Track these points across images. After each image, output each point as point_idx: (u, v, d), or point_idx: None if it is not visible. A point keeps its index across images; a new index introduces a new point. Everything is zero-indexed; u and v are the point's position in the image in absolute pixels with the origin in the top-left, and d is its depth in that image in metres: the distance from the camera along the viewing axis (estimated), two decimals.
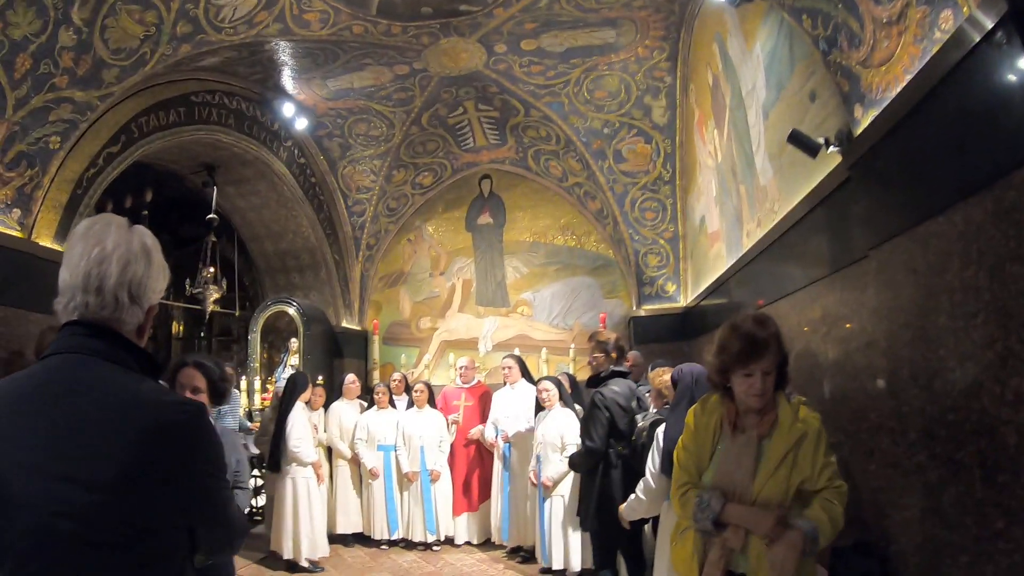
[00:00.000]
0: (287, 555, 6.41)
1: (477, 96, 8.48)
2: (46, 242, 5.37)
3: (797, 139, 3.76)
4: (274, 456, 6.51)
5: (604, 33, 6.84)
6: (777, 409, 2.56)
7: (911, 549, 2.84)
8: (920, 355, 2.70)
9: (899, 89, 2.86)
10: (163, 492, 1.32)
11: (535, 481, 6.12)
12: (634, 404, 4.92)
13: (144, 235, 1.50)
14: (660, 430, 3.80)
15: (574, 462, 5.09)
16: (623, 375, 5.02)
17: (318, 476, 6.74)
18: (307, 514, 6.49)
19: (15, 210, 5.00)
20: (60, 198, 5.52)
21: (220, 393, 3.06)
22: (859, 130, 3.29)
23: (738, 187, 5.63)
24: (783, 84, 4.39)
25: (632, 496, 3.98)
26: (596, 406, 4.74)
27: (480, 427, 7.27)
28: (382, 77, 7.94)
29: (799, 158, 4.13)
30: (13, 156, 4.83)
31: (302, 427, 6.60)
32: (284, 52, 7.07)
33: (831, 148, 3.57)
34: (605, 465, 4.77)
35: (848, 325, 3.58)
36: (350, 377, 7.81)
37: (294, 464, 6.50)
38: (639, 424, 4.59)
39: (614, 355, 5.09)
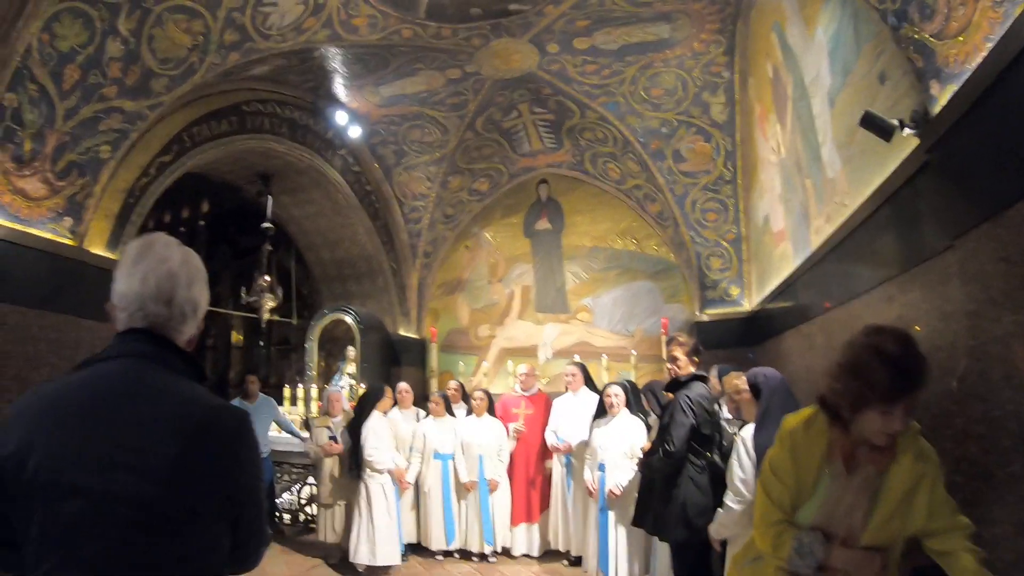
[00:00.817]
0: (360, 560, 6.44)
1: (531, 98, 8.34)
2: (98, 250, 5.46)
3: (870, 121, 3.47)
4: (353, 464, 6.63)
5: (658, 28, 6.62)
6: (896, 442, 2.20)
7: (1003, 568, 2.54)
8: (1015, 353, 2.41)
9: (980, 59, 2.59)
10: (212, 484, 1.46)
11: (593, 491, 5.92)
12: (715, 407, 4.73)
13: (196, 256, 1.67)
14: (745, 436, 3.68)
15: (652, 467, 4.85)
16: (703, 379, 4.78)
17: (401, 484, 6.86)
18: (383, 519, 6.54)
19: (67, 218, 5.08)
20: (112, 207, 5.62)
21: None
22: (937, 108, 3.01)
23: (804, 182, 5.32)
24: (849, 68, 4.10)
25: (720, 512, 3.82)
26: (682, 410, 4.51)
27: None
28: (434, 82, 7.88)
29: (870, 146, 3.85)
30: (64, 166, 4.90)
31: (376, 436, 6.64)
32: (334, 59, 7.06)
33: (906, 130, 3.27)
34: (689, 471, 4.54)
35: (929, 322, 3.28)
36: (403, 386, 7.71)
37: (367, 470, 6.55)
38: (728, 430, 4.43)
39: (696, 359, 4.88)
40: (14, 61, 4.27)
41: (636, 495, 5.55)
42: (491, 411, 7.30)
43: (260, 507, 1.62)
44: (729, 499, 3.73)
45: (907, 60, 3.22)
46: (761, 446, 3.39)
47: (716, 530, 3.93)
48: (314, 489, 7.96)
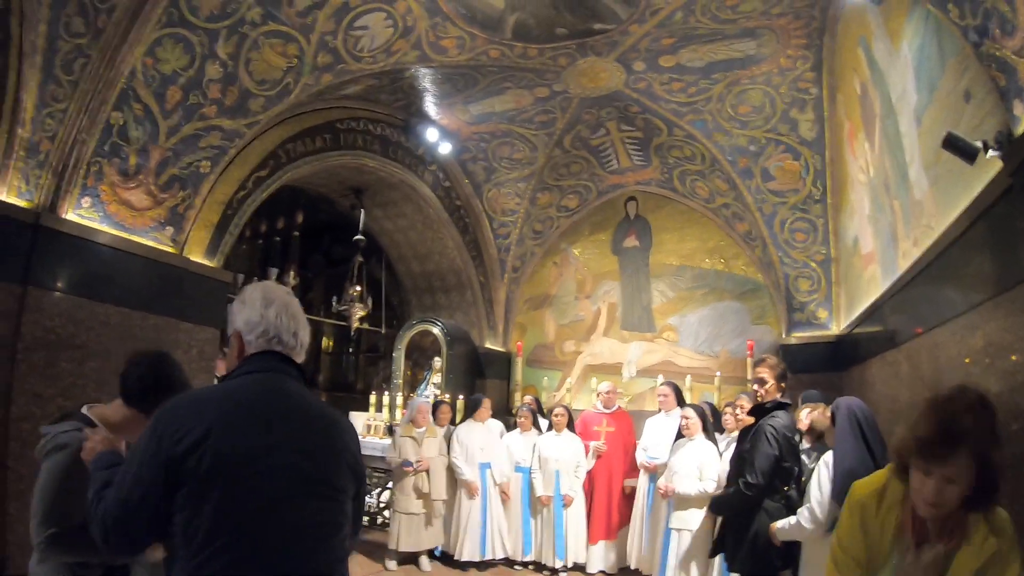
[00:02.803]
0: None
1: (619, 116, 8.35)
2: (197, 257, 5.87)
3: (953, 143, 3.34)
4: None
5: (744, 45, 6.51)
6: (967, 523, 1.98)
7: None
8: None
9: None
10: (350, 464, 1.95)
11: (664, 491, 5.88)
12: (797, 439, 4.52)
13: (270, 294, 2.10)
14: (827, 458, 3.74)
15: (724, 503, 4.72)
16: (786, 407, 4.53)
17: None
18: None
19: (168, 228, 5.51)
20: (211, 218, 6.02)
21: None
22: (1021, 129, 2.88)
23: (892, 203, 5.13)
24: (935, 85, 3.95)
25: (794, 519, 3.87)
26: (767, 440, 4.28)
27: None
28: (523, 100, 8.00)
29: (956, 167, 3.69)
30: (166, 179, 5.32)
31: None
32: (424, 79, 7.29)
33: (990, 152, 3.13)
34: (765, 504, 4.38)
35: (1013, 356, 3.12)
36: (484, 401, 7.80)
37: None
38: (808, 465, 4.27)
39: (783, 384, 4.62)
40: (120, 82, 4.68)
41: (706, 520, 5.50)
42: (571, 427, 7.30)
43: (358, 512, 2.04)
44: (803, 517, 3.77)
45: (990, 78, 3.09)
46: (842, 468, 3.51)
47: (780, 530, 3.99)
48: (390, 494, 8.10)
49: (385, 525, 8.29)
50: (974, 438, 1.88)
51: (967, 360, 3.70)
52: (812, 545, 3.83)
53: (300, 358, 2.08)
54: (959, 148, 3.30)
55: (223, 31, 5.03)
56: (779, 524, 3.98)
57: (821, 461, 3.79)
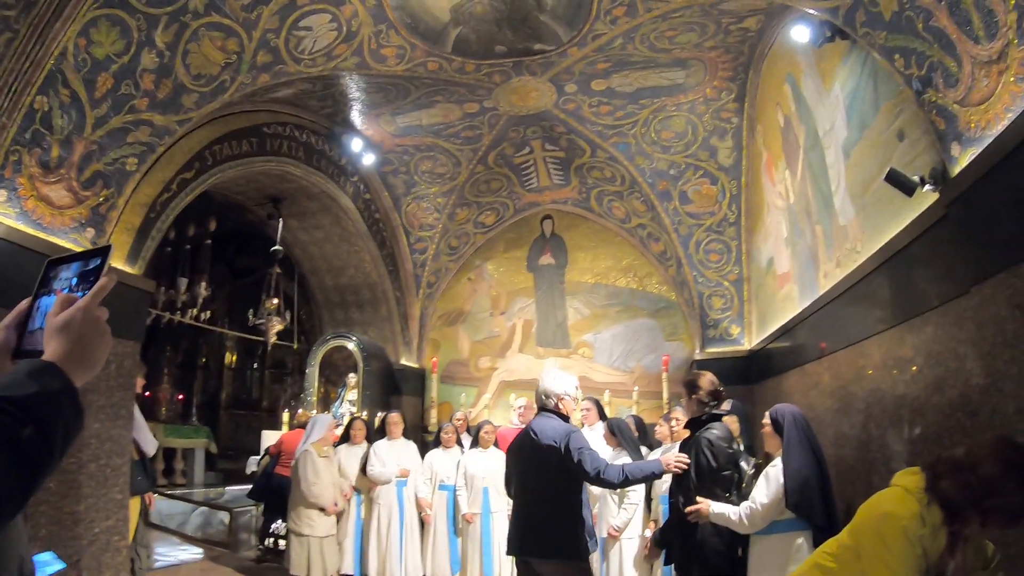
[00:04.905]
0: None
1: (544, 136, 8.56)
2: (118, 264, 5.37)
3: (894, 178, 3.72)
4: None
5: (673, 74, 6.87)
6: None
7: None
8: None
9: (1001, 127, 2.83)
10: (567, 452, 3.74)
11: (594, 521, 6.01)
12: (736, 447, 4.70)
13: (558, 374, 4.25)
14: (775, 469, 3.82)
15: (668, 529, 4.84)
16: (719, 418, 4.74)
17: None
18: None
19: (89, 229, 4.96)
20: (133, 221, 5.59)
21: None
22: (957, 168, 3.24)
23: (813, 228, 5.54)
24: (866, 123, 4.34)
25: (732, 511, 3.89)
26: (704, 452, 4.28)
27: None
28: (451, 114, 8.06)
29: (885, 196, 4.07)
30: (90, 175, 4.81)
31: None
32: (357, 87, 7.23)
33: (927, 187, 3.51)
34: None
35: (942, 362, 3.49)
36: (393, 416, 7.55)
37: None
38: (746, 471, 4.43)
39: (711, 398, 4.84)
40: (48, 63, 4.21)
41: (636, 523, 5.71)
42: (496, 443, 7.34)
43: (579, 462, 3.70)
44: (744, 514, 3.84)
45: (929, 122, 3.45)
46: (790, 473, 3.70)
47: (715, 513, 3.96)
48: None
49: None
50: None
51: (894, 372, 4.07)
52: (759, 548, 4.02)
53: (550, 404, 4.04)
54: (899, 182, 3.68)
55: (164, 18, 4.71)
56: (716, 508, 3.96)
57: (771, 468, 3.86)
